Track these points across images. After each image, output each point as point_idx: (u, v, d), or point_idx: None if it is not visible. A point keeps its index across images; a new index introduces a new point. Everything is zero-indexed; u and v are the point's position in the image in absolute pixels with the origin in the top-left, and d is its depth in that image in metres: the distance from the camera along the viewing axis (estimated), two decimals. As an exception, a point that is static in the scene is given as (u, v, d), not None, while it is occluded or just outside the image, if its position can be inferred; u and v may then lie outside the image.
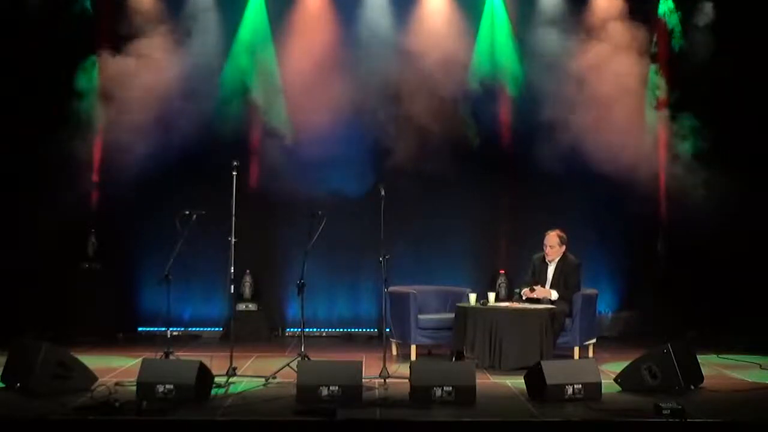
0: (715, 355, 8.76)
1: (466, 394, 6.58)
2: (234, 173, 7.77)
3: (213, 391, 6.85)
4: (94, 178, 10.34)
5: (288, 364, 7.57)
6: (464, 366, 7.08)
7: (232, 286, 7.91)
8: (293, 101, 10.38)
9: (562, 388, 6.64)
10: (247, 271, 10.55)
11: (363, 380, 6.76)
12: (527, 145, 10.39)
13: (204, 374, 6.71)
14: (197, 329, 10.67)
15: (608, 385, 7.06)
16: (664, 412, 6.05)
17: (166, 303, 7.69)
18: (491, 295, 8.72)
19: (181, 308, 10.33)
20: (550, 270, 8.83)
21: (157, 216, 9.47)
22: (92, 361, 7.54)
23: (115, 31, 10.08)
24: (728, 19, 10.07)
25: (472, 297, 8.61)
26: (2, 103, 9.57)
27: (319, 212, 7.88)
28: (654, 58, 10.49)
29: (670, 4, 10.57)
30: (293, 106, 10.39)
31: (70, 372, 6.91)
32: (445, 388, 6.56)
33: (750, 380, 7.67)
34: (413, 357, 8.65)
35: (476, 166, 10.67)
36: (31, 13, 9.76)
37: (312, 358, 7.73)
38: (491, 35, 10.69)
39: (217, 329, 10.55)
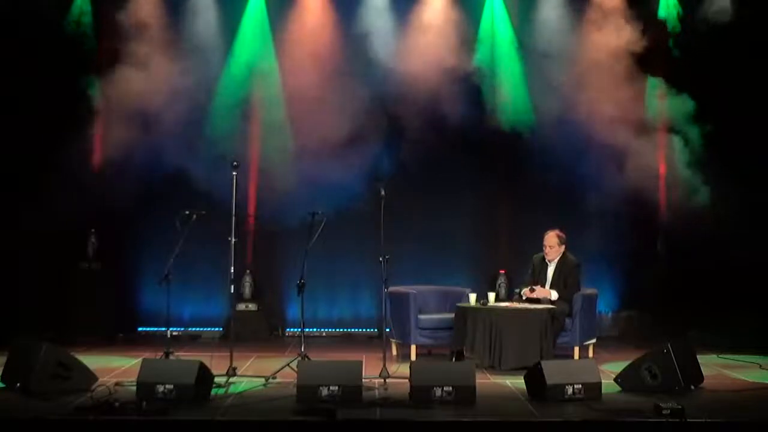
0: (715, 355, 8.76)
1: (466, 394, 6.58)
2: (234, 173, 7.78)
3: (213, 391, 6.85)
4: (94, 178, 10.32)
5: (288, 364, 7.58)
6: (464, 366, 7.08)
7: (232, 286, 7.91)
8: (293, 102, 10.38)
9: (562, 388, 6.64)
10: (247, 271, 10.57)
11: (363, 380, 6.76)
12: (528, 145, 10.40)
13: (204, 374, 6.71)
14: (197, 329, 10.67)
15: (608, 385, 7.06)
16: (664, 412, 6.05)
17: (166, 303, 7.69)
18: (491, 295, 8.72)
19: (181, 308, 10.33)
20: (550, 270, 8.83)
21: (157, 216, 9.47)
22: (92, 361, 7.55)
23: (116, 35, 10.06)
24: (727, 21, 10.10)
25: (472, 297, 8.61)
26: (2, 103, 9.57)
27: (319, 212, 7.89)
28: (655, 58, 10.47)
29: (671, 4, 10.57)
30: (293, 107, 10.39)
31: (69, 372, 6.92)
32: (445, 388, 6.56)
33: (750, 380, 7.67)
34: (413, 357, 8.65)
35: (476, 166, 10.69)
36: (32, 16, 9.76)
37: (312, 358, 7.73)
38: (491, 34, 10.68)
39: (217, 329, 10.55)
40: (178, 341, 9.49)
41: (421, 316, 8.85)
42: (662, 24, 10.56)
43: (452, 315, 8.66)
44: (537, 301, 8.62)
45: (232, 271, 7.78)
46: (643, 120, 10.28)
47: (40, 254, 9.76)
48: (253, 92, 10.52)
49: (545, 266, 8.87)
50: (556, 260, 8.80)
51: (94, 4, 10.39)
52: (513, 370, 7.82)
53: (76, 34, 10.23)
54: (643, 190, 10.13)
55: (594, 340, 8.87)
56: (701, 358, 7.62)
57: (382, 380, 7.35)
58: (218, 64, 10.46)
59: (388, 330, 8.66)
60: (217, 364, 7.29)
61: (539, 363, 6.85)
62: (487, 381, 7.52)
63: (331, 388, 6.55)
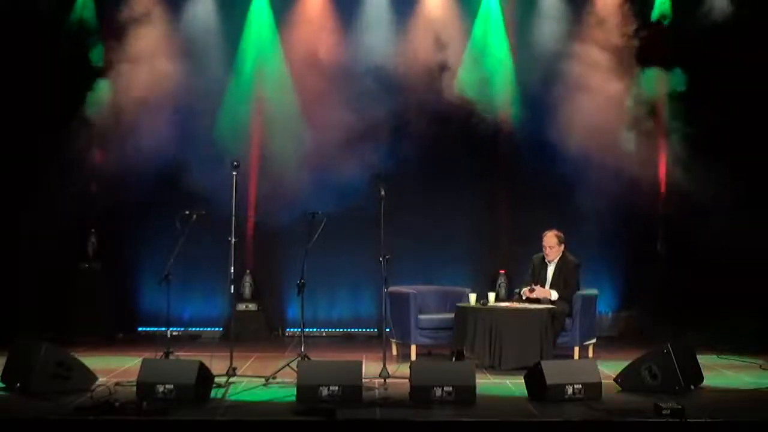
0: (715, 355, 8.77)
1: (466, 394, 6.58)
2: (234, 173, 7.78)
3: (213, 391, 6.85)
4: (94, 178, 10.32)
5: (288, 364, 7.58)
6: (464, 366, 7.08)
7: (232, 286, 7.91)
8: (293, 102, 10.37)
9: (562, 388, 6.64)
10: (247, 271, 10.57)
11: (363, 380, 6.76)
12: (527, 145, 10.40)
13: (204, 374, 6.71)
14: (197, 329, 10.67)
15: (608, 385, 7.05)
16: (664, 412, 6.05)
17: (166, 303, 7.69)
18: (491, 295, 8.72)
19: (181, 308, 10.32)
20: (550, 270, 8.83)
21: (157, 216, 9.47)
22: (92, 361, 7.54)
23: (118, 32, 10.06)
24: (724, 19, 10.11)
25: (472, 297, 8.62)
26: (3, 103, 9.57)
27: (319, 212, 7.89)
28: (652, 55, 10.46)
29: (666, 7, 10.57)
30: (293, 107, 10.38)
31: (69, 372, 6.92)
32: (445, 388, 6.56)
33: (750, 380, 7.67)
34: (413, 357, 8.65)
35: (476, 166, 10.69)
36: (33, 13, 9.76)
37: (312, 358, 7.73)
38: (491, 32, 10.67)
39: (217, 329, 10.55)
40: (178, 341, 9.48)
41: (421, 316, 8.85)
42: (658, 21, 10.56)
43: (452, 315, 8.67)
44: (537, 301, 8.63)
45: (232, 271, 7.78)
46: (641, 119, 10.27)
47: (40, 254, 9.76)
48: (252, 92, 10.51)
49: (545, 266, 8.88)
50: (555, 260, 8.81)
51: (96, 1, 10.38)
52: (513, 370, 7.82)
53: (78, 31, 10.22)
54: (642, 190, 10.13)
55: (594, 340, 8.87)
56: (701, 358, 7.61)
57: (382, 380, 7.35)
58: (220, 64, 10.46)
59: (388, 330, 8.66)
60: (217, 364, 7.28)
61: (539, 363, 6.84)
62: (487, 381, 7.52)
63: (331, 388, 6.55)
